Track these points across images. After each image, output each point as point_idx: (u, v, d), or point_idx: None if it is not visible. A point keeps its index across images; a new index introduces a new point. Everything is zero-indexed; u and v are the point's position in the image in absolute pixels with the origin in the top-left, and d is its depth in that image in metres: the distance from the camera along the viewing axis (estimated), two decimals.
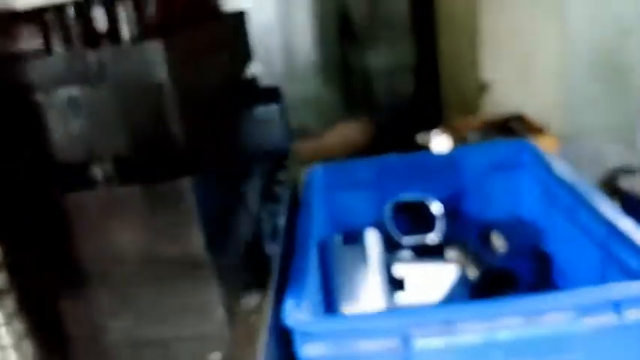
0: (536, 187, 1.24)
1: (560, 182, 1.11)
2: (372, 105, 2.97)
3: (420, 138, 1.89)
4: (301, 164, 1.47)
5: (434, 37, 2.62)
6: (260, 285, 0.84)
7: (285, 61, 2.94)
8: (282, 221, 1.03)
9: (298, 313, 0.77)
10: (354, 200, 1.32)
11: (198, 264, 0.68)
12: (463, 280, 1.09)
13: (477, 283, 1.09)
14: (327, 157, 2.89)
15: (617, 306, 0.75)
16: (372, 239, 1.10)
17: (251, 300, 0.81)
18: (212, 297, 0.70)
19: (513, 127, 1.94)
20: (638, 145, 2.51)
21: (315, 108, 2.99)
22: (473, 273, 1.10)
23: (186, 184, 0.65)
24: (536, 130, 1.85)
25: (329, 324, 0.84)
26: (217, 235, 0.72)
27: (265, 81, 3.01)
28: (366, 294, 1.01)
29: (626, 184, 1.38)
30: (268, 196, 1.12)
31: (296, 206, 1.15)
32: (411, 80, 2.85)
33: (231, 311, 0.74)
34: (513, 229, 1.26)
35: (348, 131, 3.03)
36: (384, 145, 2.81)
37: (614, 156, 1.75)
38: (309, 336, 0.77)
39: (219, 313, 0.71)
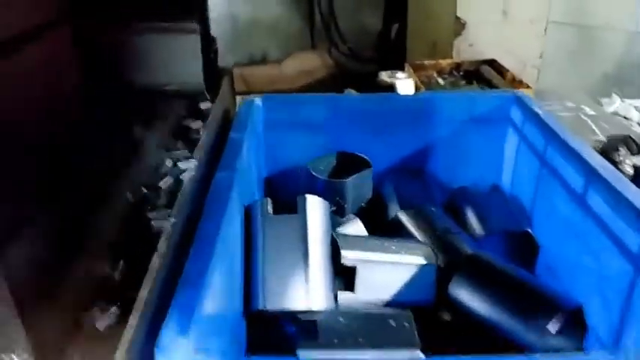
0: (526, 150, 0.89)
1: (562, 148, 0.77)
2: (335, 36, 2.55)
3: (382, 77, 1.50)
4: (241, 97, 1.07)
5: None
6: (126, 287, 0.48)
7: None
8: (187, 174, 0.65)
9: (179, 348, 0.42)
10: (296, 146, 0.95)
11: None
12: (428, 270, 0.75)
13: (444, 272, 0.76)
14: (284, 86, 2.52)
15: None
16: (315, 209, 0.73)
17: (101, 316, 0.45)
18: None
19: (485, 74, 1.58)
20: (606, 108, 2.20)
21: (276, 34, 2.57)
22: (440, 259, 0.76)
23: None
24: (512, 79, 1.49)
25: None
26: None
27: (228, 4, 2.55)
28: (299, 289, 0.67)
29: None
30: (179, 139, 0.74)
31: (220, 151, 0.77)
32: (378, 13, 2.43)
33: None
34: (490, 200, 0.93)
35: (308, 61, 2.63)
36: (344, 80, 2.43)
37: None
38: None
39: None
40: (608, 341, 0.63)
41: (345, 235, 0.77)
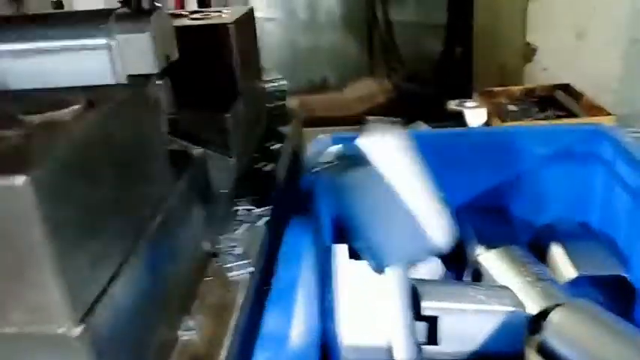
0: (617, 188, 0.82)
1: None
2: (396, 63, 2.53)
3: (450, 105, 1.45)
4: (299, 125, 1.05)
5: None
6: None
7: (308, 10, 2.50)
8: (262, 221, 0.64)
9: None
10: None
11: None
12: (517, 317, 0.70)
13: (534, 321, 0.70)
14: (343, 113, 2.51)
15: None
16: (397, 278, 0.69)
17: None
18: None
19: (562, 101, 1.50)
20: None
21: (335, 61, 2.57)
22: (532, 308, 0.70)
23: None
24: (589, 105, 1.41)
25: None
26: None
27: (287, 33, 2.58)
28: (381, 339, 0.63)
29: None
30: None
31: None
32: (440, 38, 2.38)
33: None
34: (579, 240, 0.86)
35: (367, 87, 2.62)
36: (404, 105, 2.39)
37: None
38: None
39: None
40: None
41: (424, 281, 0.73)
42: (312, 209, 0.71)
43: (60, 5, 1.02)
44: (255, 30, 0.67)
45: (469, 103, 1.45)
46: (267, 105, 0.95)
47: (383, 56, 2.53)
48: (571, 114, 1.41)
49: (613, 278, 0.77)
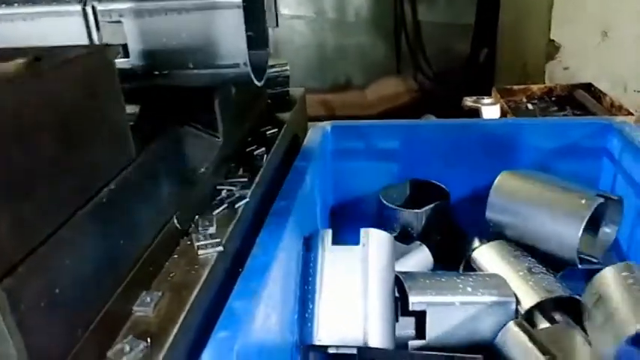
0: (623, 184, 0.76)
1: None
2: (421, 61, 2.47)
3: (466, 102, 1.40)
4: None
5: None
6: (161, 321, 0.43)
7: (337, 9, 2.47)
8: (244, 202, 0.61)
9: None
10: (367, 174, 0.89)
11: None
12: (506, 308, 0.65)
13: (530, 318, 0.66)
14: (365, 112, 2.47)
15: None
16: (378, 243, 0.65)
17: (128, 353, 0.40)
18: None
19: (580, 99, 1.43)
20: None
21: (361, 60, 2.53)
22: (526, 302, 0.65)
23: None
24: (610, 105, 1.33)
25: None
26: None
27: (315, 31, 2.55)
28: (356, 323, 0.59)
29: None
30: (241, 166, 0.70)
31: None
32: (466, 39, 2.31)
33: None
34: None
35: (392, 87, 2.57)
36: (427, 105, 2.33)
37: None
38: None
39: None
40: None
41: (412, 274, 0.68)
42: (304, 195, 0.68)
43: None
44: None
45: (485, 100, 1.39)
46: (269, 91, 0.92)
47: (410, 56, 2.48)
48: (589, 113, 1.33)
49: None
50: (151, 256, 0.50)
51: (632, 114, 1.25)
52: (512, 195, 0.78)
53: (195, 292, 0.48)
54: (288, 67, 0.94)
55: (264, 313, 0.50)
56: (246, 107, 0.79)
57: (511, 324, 0.62)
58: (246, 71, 0.56)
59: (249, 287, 0.50)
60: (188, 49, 0.54)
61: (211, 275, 0.51)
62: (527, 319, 0.66)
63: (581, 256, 0.72)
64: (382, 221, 0.84)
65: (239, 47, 0.54)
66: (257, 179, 0.67)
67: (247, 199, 0.62)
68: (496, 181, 0.79)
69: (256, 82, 0.59)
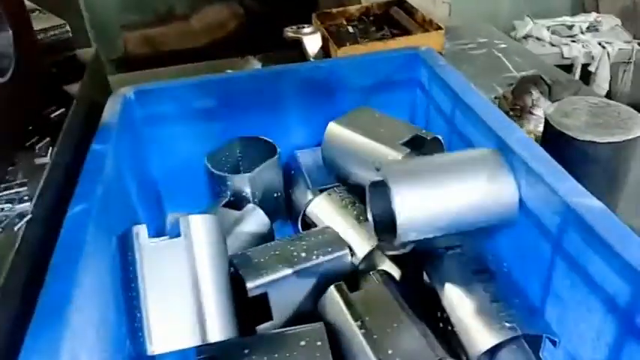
0: (435, 114, 0.78)
1: (467, 111, 0.66)
2: None
3: (287, 33, 1.33)
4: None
5: None
6: None
7: None
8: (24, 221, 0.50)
9: None
10: (190, 139, 0.80)
11: None
12: (342, 262, 0.64)
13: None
14: (191, 44, 2.29)
15: None
16: (201, 230, 0.59)
17: None
18: None
19: (396, 17, 1.44)
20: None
21: None
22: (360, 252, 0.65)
23: None
24: (422, 20, 1.36)
25: None
26: None
27: None
28: (191, 323, 0.54)
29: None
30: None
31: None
32: None
33: None
34: None
35: (217, 14, 2.39)
36: (254, 33, 2.22)
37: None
38: None
39: None
40: None
41: (245, 256, 0.64)
42: (107, 187, 0.58)
43: None
44: None
45: (306, 29, 1.33)
46: (50, 59, 0.77)
47: None
48: (406, 31, 1.35)
49: None
50: None
51: (441, 28, 1.29)
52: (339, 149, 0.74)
53: None
54: (67, 27, 0.79)
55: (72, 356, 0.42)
56: (15, 89, 0.64)
57: (331, 288, 0.61)
58: None
59: (42, 337, 0.41)
60: None
61: None
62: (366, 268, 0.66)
63: None
64: (213, 190, 0.78)
65: None
66: (41, 184, 0.56)
67: (30, 216, 0.51)
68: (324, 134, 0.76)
69: None
